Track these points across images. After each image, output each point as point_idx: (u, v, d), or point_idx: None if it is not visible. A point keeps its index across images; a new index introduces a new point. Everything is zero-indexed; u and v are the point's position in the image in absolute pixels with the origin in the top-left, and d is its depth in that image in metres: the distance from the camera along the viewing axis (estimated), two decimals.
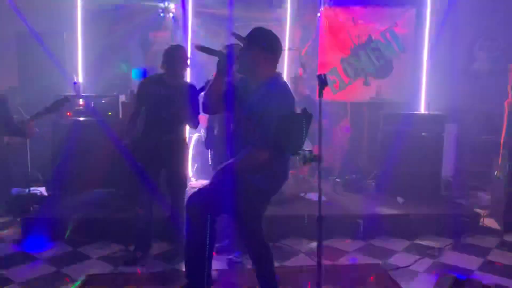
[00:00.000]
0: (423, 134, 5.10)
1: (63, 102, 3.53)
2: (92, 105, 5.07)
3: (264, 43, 2.62)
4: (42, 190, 4.98)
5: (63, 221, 4.20)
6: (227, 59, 2.61)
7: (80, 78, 5.72)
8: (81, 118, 4.99)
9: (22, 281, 3.35)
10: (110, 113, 5.03)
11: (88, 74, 5.81)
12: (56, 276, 3.46)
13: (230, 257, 3.75)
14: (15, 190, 4.89)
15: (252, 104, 2.61)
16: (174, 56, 3.58)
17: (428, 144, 5.05)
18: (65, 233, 4.09)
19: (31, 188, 4.76)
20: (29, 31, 5.29)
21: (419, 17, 6.15)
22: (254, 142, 2.56)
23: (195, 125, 3.74)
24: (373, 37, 6.15)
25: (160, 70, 3.66)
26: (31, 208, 4.53)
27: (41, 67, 5.52)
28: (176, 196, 3.77)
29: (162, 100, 3.55)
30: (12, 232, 4.36)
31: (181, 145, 3.75)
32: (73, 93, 5.19)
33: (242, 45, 2.69)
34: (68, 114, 5.00)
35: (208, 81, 2.95)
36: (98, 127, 4.83)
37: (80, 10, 5.79)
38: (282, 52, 2.74)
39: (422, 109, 6.00)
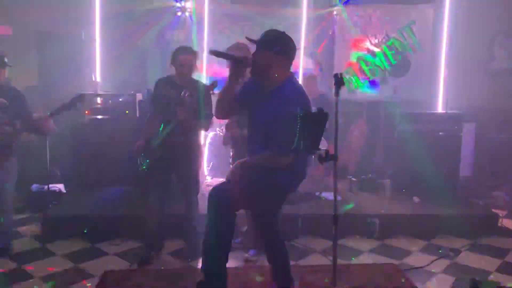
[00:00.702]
0: (440, 133, 5.05)
1: (80, 99, 3.58)
2: (110, 103, 5.14)
3: (276, 47, 2.59)
4: (61, 187, 5.07)
5: (81, 217, 4.27)
6: (239, 63, 2.61)
7: (98, 76, 5.79)
8: (99, 117, 5.07)
9: (42, 276, 3.42)
10: (127, 112, 5.09)
11: (106, 73, 5.88)
12: (74, 272, 3.53)
13: (245, 255, 3.77)
14: (34, 187, 5.00)
15: (270, 111, 2.58)
16: (179, 59, 3.56)
17: (446, 144, 4.99)
18: (83, 229, 4.15)
19: (50, 185, 4.84)
20: (50, 31, 5.39)
21: (437, 14, 6.08)
22: (276, 148, 2.55)
23: (206, 127, 3.75)
24: (390, 35, 6.10)
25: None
26: (50, 205, 4.61)
27: (60, 66, 5.60)
28: (188, 197, 3.78)
29: (172, 101, 3.56)
30: (31, 228, 4.45)
31: (193, 147, 3.72)
32: (91, 92, 5.28)
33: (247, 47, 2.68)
34: (87, 112, 5.08)
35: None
36: (115, 125, 4.90)
37: (98, 9, 5.86)
38: (295, 54, 2.70)
39: (440, 108, 5.93)
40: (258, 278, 3.38)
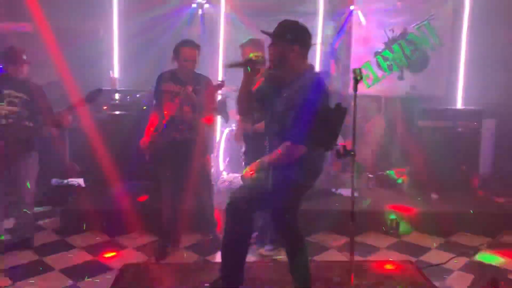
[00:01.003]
0: (459, 129, 4.98)
1: (97, 94, 3.59)
2: (128, 99, 5.19)
3: (291, 36, 2.61)
4: (80, 181, 5.14)
5: (100, 211, 4.33)
6: (254, 66, 2.65)
7: (116, 73, 5.85)
8: (117, 112, 5.12)
9: (62, 268, 3.49)
10: (144, 107, 5.14)
11: (124, 69, 5.94)
12: (93, 264, 3.59)
13: (261, 250, 3.78)
14: (54, 181, 5.08)
15: (287, 99, 2.61)
16: (183, 53, 3.51)
17: (465, 140, 4.93)
18: (102, 223, 4.21)
19: (70, 180, 4.93)
20: (68, 27, 5.46)
21: (457, 8, 5.97)
22: (290, 137, 2.56)
23: (209, 121, 3.72)
24: (408, 30, 6.01)
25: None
26: (70, 199, 4.69)
27: (78, 62, 5.67)
28: (200, 192, 3.80)
29: (175, 96, 3.53)
30: (52, 221, 4.53)
31: (198, 142, 3.66)
32: (109, 88, 5.34)
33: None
34: (105, 108, 5.14)
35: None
36: (133, 121, 4.95)
37: (115, 6, 5.91)
38: (311, 42, 2.71)
39: (459, 104, 5.84)
40: (276, 274, 3.39)
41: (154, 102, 3.76)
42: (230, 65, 2.71)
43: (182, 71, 3.56)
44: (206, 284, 3.08)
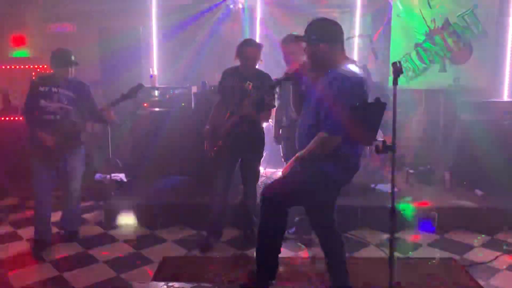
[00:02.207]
0: (505, 122, 4.77)
1: (138, 89, 3.77)
2: (167, 96, 5.29)
3: (313, 35, 2.62)
4: (122, 176, 5.29)
5: (141, 206, 4.46)
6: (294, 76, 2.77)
7: (155, 70, 5.97)
8: (157, 109, 5.24)
9: (106, 260, 3.62)
10: (183, 104, 5.23)
11: (163, 67, 6.05)
12: (135, 257, 3.70)
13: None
14: (97, 176, 5.26)
15: (322, 90, 2.60)
16: (245, 52, 3.64)
17: (511, 134, 4.71)
18: (144, 217, 4.33)
19: (112, 174, 5.07)
20: (110, 27, 5.62)
21: None
22: (325, 128, 2.55)
23: (267, 118, 3.85)
24: (450, 21, 5.80)
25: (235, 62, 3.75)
26: (112, 193, 4.84)
27: (119, 60, 5.83)
28: (249, 186, 3.88)
29: (236, 91, 3.66)
30: (95, 215, 4.70)
31: (258, 136, 3.81)
32: (149, 85, 5.46)
33: None
34: (145, 105, 5.27)
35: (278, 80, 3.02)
36: (172, 117, 5.05)
37: (155, 4, 6.03)
38: (343, 38, 2.70)
39: (505, 96, 5.60)
40: (312, 270, 3.38)
41: (218, 95, 3.91)
42: (275, 85, 2.95)
43: (244, 68, 3.70)
44: (243, 278, 3.11)
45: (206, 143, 3.77)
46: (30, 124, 3.74)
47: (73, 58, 3.79)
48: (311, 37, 2.63)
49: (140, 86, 3.79)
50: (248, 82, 3.63)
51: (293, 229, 3.96)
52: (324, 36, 2.63)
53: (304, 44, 2.71)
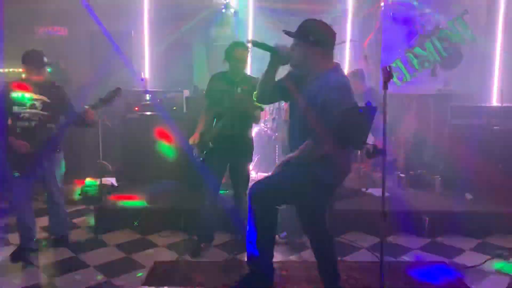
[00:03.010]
0: (495, 127, 4.82)
1: (117, 93, 3.63)
2: (158, 100, 5.28)
3: (312, 37, 2.59)
4: (112, 180, 5.27)
5: (132, 210, 4.43)
6: (278, 54, 2.64)
7: (147, 74, 5.96)
8: (148, 113, 5.22)
9: (96, 265, 3.58)
10: (175, 108, 5.22)
11: (154, 70, 6.04)
12: (126, 261, 3.67)
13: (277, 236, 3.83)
14: (88, 181, 5.22)
15: (310, 96, 2.60)
16: (235, 54, 3.64)
17: (501, 138, 4.75)
18: (134, 221, 4.30)
19: (103, 179, 5.05)
20: (101, 31, 5.59)
21: (491, 3, 5.79)
22: (312, 136, 2.56)
23: (257, 120, 3.84)
24: (440, 27, 5.87)
25: (224, 66, 3.75)
26: (103, 198, 4.81)
27: (111, 64, 5.81)
28: (239, 190, 3.85)
29: (225, 96, 3.66)
30: (86, 220, 4.66)
31: (246, 140, 3.81)
32: (140, 89, 5.45)
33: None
34: (136, 108, 5.25)
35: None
36: (163, 121, 5.04)
37: (146, 9, 6.03)
38: (334, 42, 2.69)
39: (494, 101, 5.66)
40: (305, 273, 3.38)
41: (205, 101, 3.88)
42: (256, 44, 2.71)
43: (233, 72, 3.69)
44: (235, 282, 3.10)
45: (195, 149, 3.75)
46: (4, 132, 3.54)
47: (45, 59, 3.68)
48: (308, 36, 2.61)
49: (118, 90, 3.65)
50: (237, 86, 3.63)
51: (284, 234, 3.96)
52: (321, 38, 2.63)
53: (293, 44, 2.67)
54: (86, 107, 3.58)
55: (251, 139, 3.89)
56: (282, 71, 2.82)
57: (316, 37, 2.61)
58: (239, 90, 3.63)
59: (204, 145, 3.71)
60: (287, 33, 2.66)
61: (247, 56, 3.71)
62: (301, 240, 3.84)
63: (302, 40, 2.62)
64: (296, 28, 2.67)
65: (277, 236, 3.84)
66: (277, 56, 2.66)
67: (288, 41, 2.71)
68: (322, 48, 2.63)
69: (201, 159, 3.73)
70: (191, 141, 3.74)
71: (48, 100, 3.65)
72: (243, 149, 3.78)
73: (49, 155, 3.70)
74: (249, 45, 3.31)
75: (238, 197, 3.86)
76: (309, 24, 2.67)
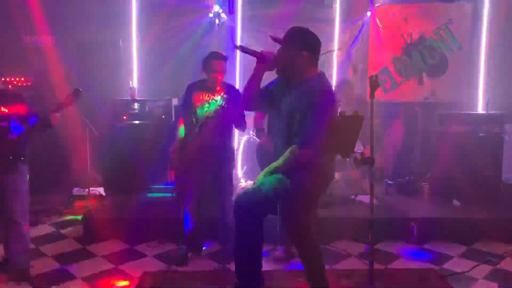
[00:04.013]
0: (481, 134, 4.88)
1: (76, 94, 3.32)
2: (147, 109, 5.27)
3: (299, 43, 2.64)
4: (100, 190, 5.22)
5: (120, 220, 4.39)
6: (265, 59, 2.67)
7: (135, 83, 5.94)
8: (136, 122, 5.20)
9: (84, 276, 3.54)
10: (163, 116, 5.21)
11: (143, 79, 6.02)
12: (114, 273, 3.63)
13: (276, 253, 3.83)
14: (75, 190, 5.18)
15: (293, 101, 2.63)
16: (212, 65, 3.63)
17: (487, 145, 4.82)
18: (123, 231, 4.26)
19: (91, 188, 5.00)
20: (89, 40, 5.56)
21: (476, 11, 5.88)
22: (297, 142, 2.58)
23: (242, 127, 3.81)
24: (426, 35, 5.95)
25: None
26: (91, 207, 4.77)
27: (98, 73, 5.79)
28: (225, 199, 3.82)
29: (204, 104, 3.66)
30: (73, 230, 4.60)
31: (225, 149, 3.79)
32: (128, 98, 5.43)
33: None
34: (124, 117, 5.23)
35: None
36: (152, 130, 5.02)
37: (135, 17, 6.01)
38: (320, 49, 2.72)
39: (480, 109, 5.74)
40: (294, 282, 3.37)
41: (183, 111, 3.86)
42: (242, 49, 2.74)
43: (211, 81, 3.69)
44: None
45: (172, 162, 3.72)
46: None
47: None
48: (295, 42, 2.64)
49: (77, 91, 3.34)
50: (216, 94, 3.63)
51: (282, 248, 3.90)
52: (308, 45, 2.66)
53: (280, 49, 2.70)
54: (50, 109, 3.32)
55: (232, 147, 3.89)
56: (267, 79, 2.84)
57: (302, 42, 2.65)
58: (218, 98, 3.63)
59: (184, 156, 3.66)
60: (274, 39, 2.70)
61: (225, 66, 3.69)
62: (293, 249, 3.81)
63: (289, 45, 2.66)
64: (272, 36, 2.71)
65: (277, 253, 3.84)
66: (263, 61, 2.68)
67: (275, 49, 2.73)
68: (308, 54, 2.65)
69: (182, 171, 3.69)
70: (172, 155, 3.71)
71: (5, 110, 3.33)
72: (224, 157, 3.76)
73: (11, 169, 3.28)
74: (237, 50, 3.32)
75: (224, 206, 3.82)
76: (296, 30, 2.71)
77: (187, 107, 3.80)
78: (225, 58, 3.70)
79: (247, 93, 2.81)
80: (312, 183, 2.66)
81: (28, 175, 3.42)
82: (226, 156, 3.79)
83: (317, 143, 2.53)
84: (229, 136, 3.85)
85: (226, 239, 3.89)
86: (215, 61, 3.64)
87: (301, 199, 2.70)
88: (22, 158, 3.33)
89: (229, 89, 3.75)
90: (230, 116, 3.63)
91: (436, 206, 4.68)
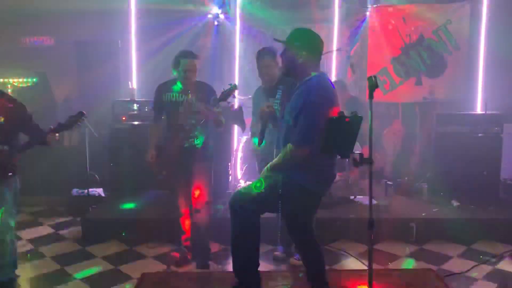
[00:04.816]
0: (479, 134, 4.89)
1: (79, 118, 3.27)
2: (146, 109, 5.26)
3: (301, 44, 2.67)
4: (100, 191, 5.21)
5: (119, 221, 4.39)
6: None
7: (134, 84, 5.94)
8: (135, 122, 5.19)
9: (83, 277, 3.54)
10: (162, 117, 5.19)
11: (142, 80, 6.02)
12: (114, 273, 3.63)
13: (276, 253, 3.83)
14: (75, 191, 5.17)
15: (293, 101, 2.67)
16: (183, 64, 3.50)
17: (486, 145, 4.83)
18: (122, 232, 4.26)
19: (90, 190, 4.99)
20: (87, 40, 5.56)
21: (474, 11, 5.90)
22: (292, 139, 2.60)
23: (219, 127, 3.64)
24: (425, 36, 5.97)
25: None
26: (90, 208, 4.76)
27: (98, 73, 5.79)
28: (204, 198, 3.67)
29: (180, 105, 3.54)
30: (72, 231, 4.60)
31: (206, 147, 3.65)
32: (128, 99, 5.43)
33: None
34: (124, 118, 5.22)
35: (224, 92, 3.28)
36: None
37: (133, 18, 6.02)
38: (322, 50, 2.75)
39: (479, 109, 5.75)
40: (296, 281, 3.37)
41: (154, 114, 3.77)
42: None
43: (184, 81, 3.57)
44: None
45: (152, 168, 3.62)
46: None
47: None
48: (295, 42, 2.68)
49: (80, 114, 3.28)
50: (190, 94, 3.51)
51: (281, 248, 3.90)
52: (308, 45, 2.69)
53: (283, 51, 2.75)
54: (49, 129, 3.20)
55: (211, 146, 3.71)
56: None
57: (302, 42, 2.68)
58: (193, 99, 3.49)
59: (163, 160, 3.59)
60: (279, 41, 2.76)
61: (196, 65, 3.54)
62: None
63: (290, 46, 2.69)
64: (275, 39, 2.78)
65: (277, 253, 3.85)
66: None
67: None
68: (310, 54, 2.68)
69: (163, 175, 3.62)
70: (148, 159, 3.61)
71: (2, 121, 3.12)
72: (202, 155, 3.62)
73: (1, 180, 3.10)
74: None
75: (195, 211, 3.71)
76: (297, 31, 2.77)
77: (157, 108, 3.71)
78: (196, 57, 3.55)
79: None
80: (312, 182, 2.67)
81: (15, 189, 3.24)
82: (204, 153, 3.64)
83: (312, 141, 2.54)
84: (207, 135, 3.65)
85: (197, 248, 3.80)
86: (185, 61, 3.49)
87: (301, 199, 2.71)
88: (11, 170, 3.13)
89: (202, 87, 3.61)
90: (206, 116, 3.48)
91: (435, 206, 4.68)
